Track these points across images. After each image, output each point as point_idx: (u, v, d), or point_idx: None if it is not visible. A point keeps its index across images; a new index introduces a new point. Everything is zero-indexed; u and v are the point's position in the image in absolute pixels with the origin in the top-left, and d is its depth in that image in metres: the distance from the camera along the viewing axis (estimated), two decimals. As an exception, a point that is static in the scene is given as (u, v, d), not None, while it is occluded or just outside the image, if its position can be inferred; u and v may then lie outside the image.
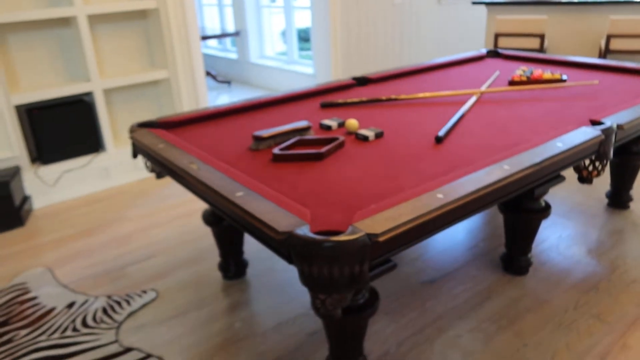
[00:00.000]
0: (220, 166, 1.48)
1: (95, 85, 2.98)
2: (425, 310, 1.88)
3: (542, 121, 1.82)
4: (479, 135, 1.72)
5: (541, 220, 1.89)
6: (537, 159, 1.40)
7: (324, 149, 1.58)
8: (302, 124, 1.79)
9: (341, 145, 1.67)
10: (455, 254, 2.22)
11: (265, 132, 1.71)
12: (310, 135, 1.78)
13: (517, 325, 1.78)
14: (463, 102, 2.13)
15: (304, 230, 1.07)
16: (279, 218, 1.13)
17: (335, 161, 1.55)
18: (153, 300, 2.02)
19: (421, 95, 2.19)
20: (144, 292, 2.07)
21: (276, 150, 1.59)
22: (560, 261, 2.12)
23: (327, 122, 1.91)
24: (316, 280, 1.03)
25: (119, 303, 2.01)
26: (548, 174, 1.43)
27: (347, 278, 1.03)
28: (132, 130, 1.90)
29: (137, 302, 2.00)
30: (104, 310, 1.97)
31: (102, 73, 3.17)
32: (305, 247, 1.02)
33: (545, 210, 1.84)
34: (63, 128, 2.95)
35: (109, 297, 2.06)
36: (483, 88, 2.29)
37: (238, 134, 1.89)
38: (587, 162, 1.74)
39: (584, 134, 1.61)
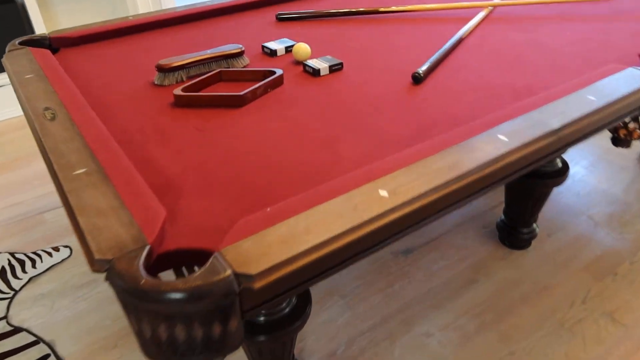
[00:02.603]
0: (85, 116, 1.02)
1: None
2: (392, 293, 1.49)
3: (570, 52, 1.29)
4: (478, 72, 1.20)
5: (553, 187, 1.43)
6: (556, 124, 0.91)
7: (244, 92, 1.09)
8: (230, 47, 1.29)
9: (277, 83, 1.17)
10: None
11: (174, 60, 1.22)
12: (239, 66, 1.29)
13: (504, 323, 1.38)
14: (467, 19, 1.57)
15: (140, 256, 0.64)
16: (108, 227, 0.69)
17: (260, 109, 1.08)
18: (64, 260, 1.66)
19: (411, 7, 1.63)
20: (56, 249, 1.71)
21: (177, 91, 1.11)
22: (573, 232, 1.69)
23: (271, 44, 1.39)
24: (149, 343, 0.62)
25: (22, 263, 1.65)
26: (569, 143, 0.95)
27: (199, 343, 0.61)
28: (10, 49, 1.41)
29: (43, 263, 1.64)
30: (1, 274, 1.62)
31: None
32: (124, 292, 0.59)
33: (561, 175, 1.37)
34: (-13, 35, 2.45)
35: (12, 255, 1.70)
36: (496, 0, 1.71)
37: (152, 58, 1.39)
38: (627, 119, 1.23)
39: (630, 78, 1.09)
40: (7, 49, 1.40)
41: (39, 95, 1.11)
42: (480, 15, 1.57)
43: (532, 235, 1.59)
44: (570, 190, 1.89)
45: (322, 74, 1.22)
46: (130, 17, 1.61)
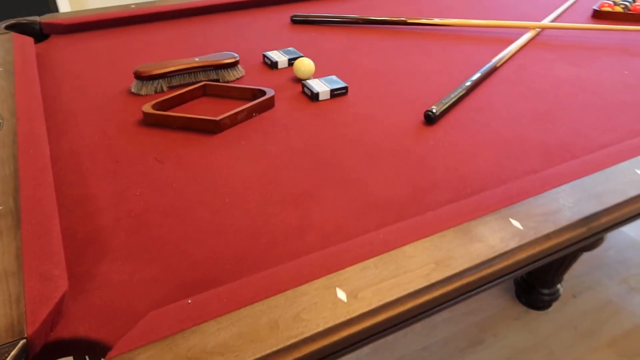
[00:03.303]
0: (35, 130, 0.88)
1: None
2: (383, 345, 1.32)
3: (625, 101, 1.07)
4: (505, 116, 1.00)
5: (583, 252, 1.22)
6: (588, 209, 0.71)
7: (222, 117, 0.93)
8: (222, 56, 1.12)
9: (266, 106, 1.01)
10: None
11: (154, 67, 1.07)
12: (231, 79, 1.12)
13: (506, 402, 1.20)
14: (508, 41, 1.36)
15: (9, 353, 0.50)
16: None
17: (237, 140, 0.91)
18: None
19: (444, 21, 1.42)
20: None
21: (146, 107, 0.96)
22: (602, 295, 1.47)
23: (273, 54, 1.22)
24: None
25: None
26: (601, 232, 0.75)
27: None
28: (-6, 32, 1.30)
29: None
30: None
31: None
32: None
33: (594, 242, 1.16)
34: None
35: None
36: (546, 21, 1.48)
37: (144, 56, 1.25)
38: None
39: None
40: (-9, 32, 1.29)
41: (-3, 96, 0.99)
42: (525, 37, 1.35)
43: (554, 297, 1.39)
44: (607, 242, 1.66)
45: (321, 98, 1.05)
46: (133, 6, 1.47)
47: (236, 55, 1.13)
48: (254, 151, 0.89)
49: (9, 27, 1.32)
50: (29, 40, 1.26)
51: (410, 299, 0.57)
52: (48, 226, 0.66)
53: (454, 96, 1.02)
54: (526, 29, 1.41)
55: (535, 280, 1.35)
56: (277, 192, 0.78)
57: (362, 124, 0.97)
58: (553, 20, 1.48)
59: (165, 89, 1.07)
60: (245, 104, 0.98)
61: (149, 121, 0.95)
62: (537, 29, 1.40)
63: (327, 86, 1.06)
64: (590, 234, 0.70)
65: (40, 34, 1.37)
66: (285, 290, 0.58)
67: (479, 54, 1.29)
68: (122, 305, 0.59)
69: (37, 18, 1.36)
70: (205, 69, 1.09)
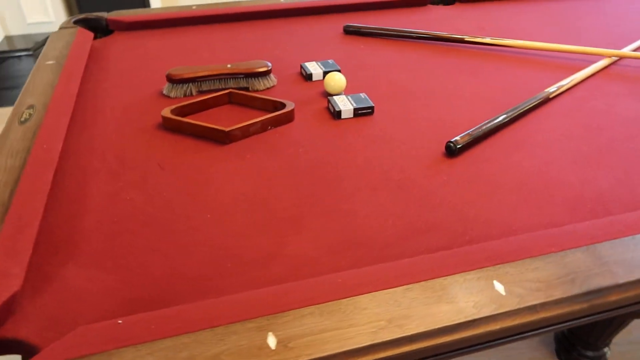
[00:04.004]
0: (58, 124, 0.93)
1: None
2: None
3: (701, 148, 0.90)
4: (543, 157, 0.89)
5: (634, 319, 1.06)
6: (594, 282, 0.60)
7: (232, 128, 0.92)
8: (254, 64, 1.11)
9: (285, 119, 0.98)
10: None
11: (185, 70, 1.08)
12: (261, 87, 1.11)
13: None
14: (576, 68, 1.21)
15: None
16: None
17: (245, 152, 0.89)
18: None
19: (507, 42, 1.30)
20: None
21: (165, 111, 0.97)
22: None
23: (310, 66, 1.19)
24: None
25: None
26: (608, 310, 0.63)
27: None
28: (62, 26, 1.39)
29: None
30: None
31: None
32: None
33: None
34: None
35: None
36: (628, 49, 1.30)
37: (193, 56, 1.27)
38: None
39: None
40: (59, 26, 1.38)
41: (39, 87, 1.05)
42: (596, 66, 1.19)
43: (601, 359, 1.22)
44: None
45: (343, 117, 1.00)
46: (194, 7, 1.51)
47: (269, 64, 1.11)
48: (256, 167, 0.86)
49: (78, 22, 1.42)
50: (89, 35, 1.34)
51: (344, 357, 0.51)
52: (27, 223, 0.69)
53: (485, 128, 0.92)
54: (600, 56, 1.25)
55: (576, 340, 1.20)
56: (262, 214, 0.75)
57: (377, 149, 0.91)
58: (637, 49, 1.30)
59: (194, 93, 1.09)
60: (262, 116, 0.96)
61: (167, 125, 0.97)
62: (614, 58, 1.24)
63: (352, 104, 1.01)
64: (593, 312, 0.59)
65: (106, 30, 1.45)
66: (218, 324, 0.55)
67: (536, 81, 1.16)
68: (71, 312, 0.60)
69: (105, 14, 1.45)
70: (235, 76, 1.09)
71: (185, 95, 1.08)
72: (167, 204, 0.78)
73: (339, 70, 1.17)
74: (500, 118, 0.96)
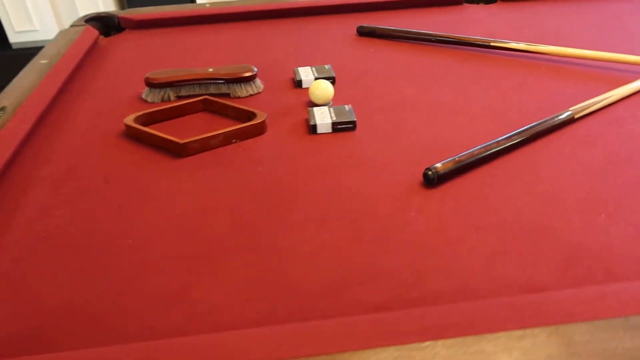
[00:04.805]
0: (22, 128, 0.89)
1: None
2: None
3: None
4: (548, 187, 0.72)
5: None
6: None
7: (188, 140, 0.83)
8: (238, 69, 1.02)
9: (254, 132, 0.87)
10: None
11: (163, 74, 1.01)
12: (244, 94, 1.01)
13: None
14: (620, 81, 1.00)
15: None
16: None
17: (197, 169, 0.79)
18: None
19: (538, 48, 1.11)
20: None
21: (128, 119, 0.90)
22: None
23: (303, 71, 1.08)
24: None
25: None
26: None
27: None
28: (73, 24, 1.38)
29: None
30: None
31: None
32: None
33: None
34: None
35: None
36: (694, 57, 1.06)
37: (193, 58, 1.21)
38: None
39: None
40: (71, 24, 1.37)
41: (19, 88, 1.03)
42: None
43: None
44: None
45: (320, 131, 0.88)
46: (207, 5, 1.45)
47: (254, 68, 1.02)
48: (204, 186, 0.77)
49: (90, 20, 1.40)
50: (94, 34, 1.31)
51: None
52: None
53: (477, 154, 0.77)
54: (655, 67, 1.03)
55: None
56: (187, 244, 0.66)
57: (345, 173, 0.79)
58: None
59: (172, 98, 1.02)
60: (227, 127, 0.87)
61: (129, 134, 0.90)
62: (673, 70, 1.02)
63: (332, 118, 0.89)
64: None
65: (120, 28, 1.43)
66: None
67: (567, 96, 0.98)
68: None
69: (115, 12, 1.42)
70: (215, 81, 1.01)
71: (163, 100, 1.02)
72: (94, 225, 0.70)
73: (333, 78, 1.06)
74: (499, 142, 0.80)
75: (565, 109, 0.90)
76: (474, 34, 1.27)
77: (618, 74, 1.06)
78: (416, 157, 0.82)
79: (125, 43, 1.33)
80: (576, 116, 0.88)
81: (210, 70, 1.02)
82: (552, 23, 1.34)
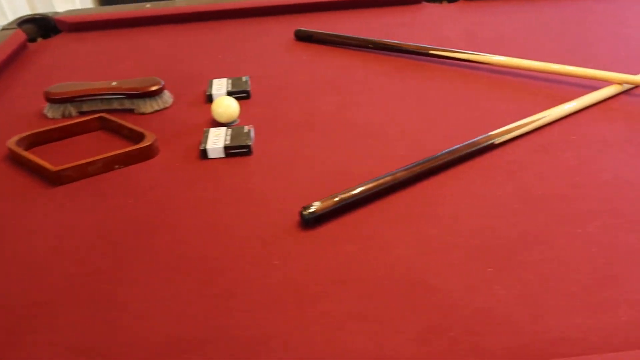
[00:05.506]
0: None
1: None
2: None
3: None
4: (445, 236, 0.63)
5: None
6: None
7: (63, 167, 0.76)
8: (144, 82, 0.94)
9: (140, 156, 0.80)
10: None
11: (65, 89, 0.94)
12: (148, 110, 0.94)
13: None
14: (567, 97, 0.89)
15: None
16: None
17: (64, 201, 0.72)
18: None
19: (480, 57, 1.00)
20: None
21: (11, 142, 0.83)
22: None
23: (217, 85, 0.99)
24: None
25: None
26: None
27: None
28: (6, 27, 1.31)
29: None
30: None
31: None
32: None
33: None
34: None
35: None
36: (651, 70, 0.95)
37: (123, 65, 1.14)
38: None
39: None
40: (1, 27, 1.31)
41: None
42: (594, 96, 0.88)
43: None
44: None
45: (210, 156, 0.80)
46: (148, 5, 1.37)
47: (161, 81, 0.94)
48: (58, 224, 0.70)
49: (25, 22, 1.34)
50: (21, 38, 1.24)
51: None
52: None
53: (365, 190, 0.68)
54: (608, 82, 0.92)
55: None
56: (11, 294, 0.59)
57: (223, 210, 0.70)
58: None
59: (74, 114, 0.95)
60: (108, 152, 0.80)
61: (13, 157, 0.84)
62: (626, 85, 0.90)
63: (226, 141, 0.81)
64: None
65: (57, 30, 1.36)
66: None
67: (500, 114, 0.87)
68: None
69: (51, 13, 1.36)
70: (117, 95, 0.93)
71: (64, 117, 0.95)
72: None
73: (247, 92, 0.97)
74: (395, 175, 0.70)
75: (489, 132, 0.80)
76: (424, 38, 1.16)
77: (567, 89, 0.95)
78: (307, 191, 0.73)
79: (54, 48, 1.26)
80: (497, 142, 0.78)
81: (114, 84, 0.94)
82: (511, 27, 1.23)
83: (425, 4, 1.37)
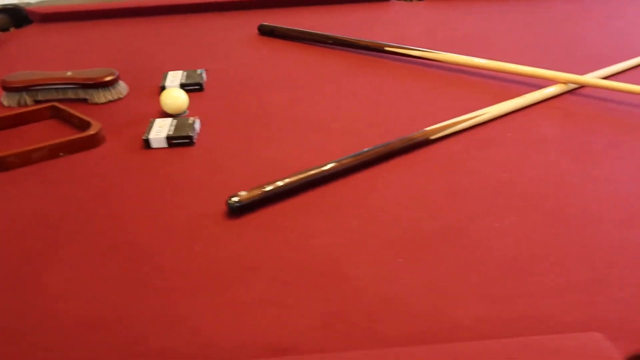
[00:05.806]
0: None
1: None
2: None
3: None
4: (366, 226, 0.64)
5: None
6: None
7: (8, 153, 0.78)
8: (97, 73, 0.96)
9: (85, 144, 0.81)
10: None
11: (21, 78, 0.96)
12: (102, 100, 0.95)
13: None
14: (512, 95, 0.90)
15: None
16: None
17: (5, 188, 0.75)
18: None
19: (432, 55, 1.02)
20: None
21: (-41, 126, 0.86)
22: None
23: (171, 76, 1.01)
24: None
25: None
26: None
27: None
28: (-24, 17, 1.33)
29: None
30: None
31: None
32: None
33: None
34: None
35: None
36: (594, 75, 0.95)
37: (87, 57, 1.15)
38: None
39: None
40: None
41: None
42: (537, 95, 0.89)
43: None
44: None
45: (153, 146, 0.82)
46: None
47: (114, 72, 0.96)
48: (2, 210, 0.72)
49: (-3, 12, 1.35)
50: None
51: None
52: None
53: (296, 179, 0.69)
54: (553, 81, 0.93)
55: None
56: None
57: (157, 198, 0.72)
58: (608, 77, 0.95)
59: (29, 103, 0.96)
60: (54, 140, 0.81)
61: (-39, 141, 0.86)
62: (571, 85, 0.91)
63: (169, 132, 0.82)
64: None
65: (29, 20, 1.38)
66: None
67: (445, 111, 0.88)
68: None
69: (22, 4, 1.37)
70: (72, 85, 0.95)
71: (19, 105, 0.96)
72: None
73: (200, 84, 0.98)
74: (327, 167, 0.72)
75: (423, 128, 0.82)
76: (387, 34, 1.17)
77: (518, 88, 0.95)
78: (242, 182, 0.74)
79: (23, 38, 1.28)
80: (433, 137, 0.79)
81: (69, 74, 0.96)
82: (475, 26, 1.24)
83: (394, 2, 1.39)
